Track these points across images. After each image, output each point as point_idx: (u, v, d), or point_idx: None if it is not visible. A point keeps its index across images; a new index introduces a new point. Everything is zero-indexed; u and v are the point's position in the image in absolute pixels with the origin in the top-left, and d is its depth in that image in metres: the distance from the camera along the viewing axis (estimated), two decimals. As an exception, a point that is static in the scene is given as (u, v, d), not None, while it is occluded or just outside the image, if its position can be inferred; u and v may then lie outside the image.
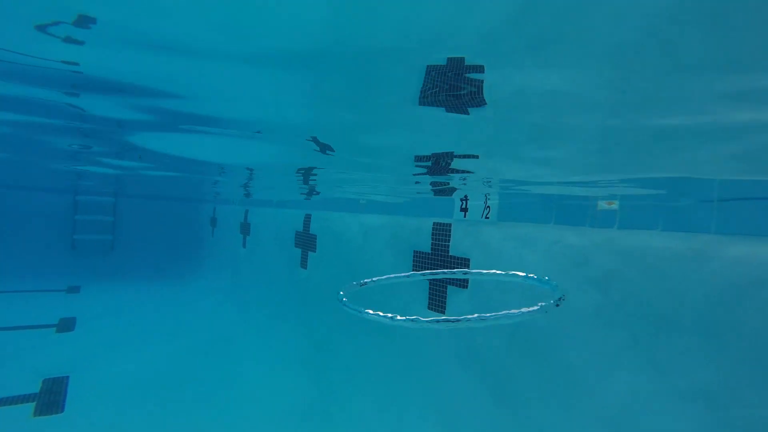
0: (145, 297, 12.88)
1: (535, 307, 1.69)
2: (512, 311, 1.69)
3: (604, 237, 4.45)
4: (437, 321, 1.66)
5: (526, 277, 2.10)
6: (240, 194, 11.93)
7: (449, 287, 6.16)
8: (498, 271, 2.24)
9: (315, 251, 9.11)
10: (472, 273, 2.32)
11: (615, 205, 4.41)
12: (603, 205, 4.53)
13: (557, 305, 1.72)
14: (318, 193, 8.02)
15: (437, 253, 6.39)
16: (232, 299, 12.15)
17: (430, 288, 6.45)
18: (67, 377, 7.13)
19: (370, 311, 1.85)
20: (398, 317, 1.74)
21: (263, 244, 11.78)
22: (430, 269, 6.47)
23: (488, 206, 6.19)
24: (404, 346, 6.76)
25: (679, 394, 3.67)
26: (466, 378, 5.60)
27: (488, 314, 1.65)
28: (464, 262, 5.96)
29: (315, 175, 6.74)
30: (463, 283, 5.93)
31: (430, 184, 6.33)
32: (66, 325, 9.74)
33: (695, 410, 3.55)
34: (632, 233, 4.22)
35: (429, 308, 6.43)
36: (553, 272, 4.80)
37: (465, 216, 6.50)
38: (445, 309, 6.18)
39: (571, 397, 4.48)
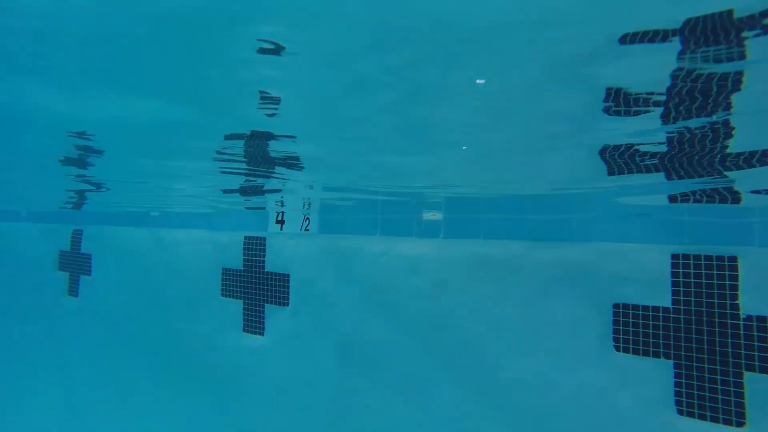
0: None
1: None
2: None
3: (431, 246, 4.62)
4: None
5: None
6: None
7: (267, 306, 5.68)
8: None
9: (90, 275, 7.49)
10: None
11: (439, 216, 4.65)
12: (428, 215, 4.72)
13: None
14: (101, 188, 6.17)
15: (251, 270, 5.85)
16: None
17: (244, 309, 5.86)
18: None
19: None
20: None
21: (1, 270, 9.25)
22: (244, 288, 5.89)
23: (308, 218, 5.94)
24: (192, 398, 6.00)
25: (506, 386, 4.02)
26: (298, 404, 5.19)
27: None
28: (283, 278, 5.58)
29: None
30: (283, 301, 5.54)
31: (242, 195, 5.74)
32: None
33: (517, 398, 3.93)
34: (457, 242, 4.48)
35: (245, 331, 5.83)
36: (383, 284, 4.81)
37: (281, 229, 6.11)
38: (263, 331, 5.67)
39: (408, 406, 4.51)
